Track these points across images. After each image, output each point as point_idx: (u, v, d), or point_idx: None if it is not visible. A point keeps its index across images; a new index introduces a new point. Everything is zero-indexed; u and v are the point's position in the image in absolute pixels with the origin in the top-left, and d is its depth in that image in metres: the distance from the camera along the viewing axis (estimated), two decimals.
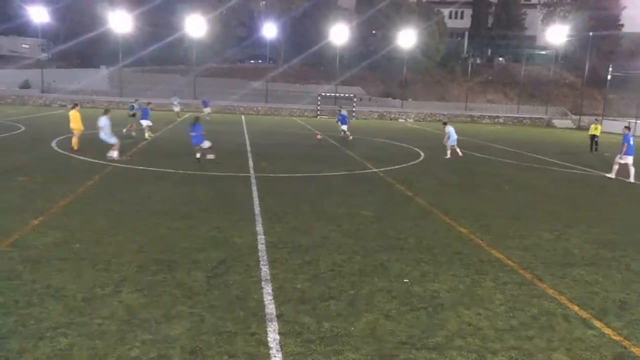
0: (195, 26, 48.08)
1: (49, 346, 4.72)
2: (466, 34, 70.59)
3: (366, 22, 57.70)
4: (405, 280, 6.82)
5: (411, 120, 50.21)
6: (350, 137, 25.31)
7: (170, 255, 7.30)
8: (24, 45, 54.64)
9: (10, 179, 11.93)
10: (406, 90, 55.92)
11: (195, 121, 15.93)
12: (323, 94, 49.35)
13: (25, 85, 47.51)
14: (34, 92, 46.09)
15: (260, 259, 7.34)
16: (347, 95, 50.26)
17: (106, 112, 16.39)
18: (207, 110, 33.62)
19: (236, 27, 60.62)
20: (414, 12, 58.05)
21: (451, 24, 68.35)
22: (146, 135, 21.74)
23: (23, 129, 23.37)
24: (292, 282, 6.56)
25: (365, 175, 15.42)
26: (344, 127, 25.40)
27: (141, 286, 6.17)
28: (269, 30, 52.66)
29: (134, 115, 22.69)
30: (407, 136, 30.54)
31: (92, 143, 17.74)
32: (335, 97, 49.58)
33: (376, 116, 50.69)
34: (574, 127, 51.11)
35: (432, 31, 58.44)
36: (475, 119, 52.53)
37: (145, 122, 22.05)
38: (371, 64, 56.16)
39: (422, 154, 21.28)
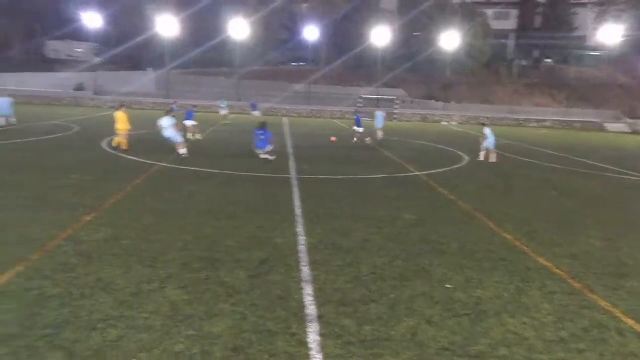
0: (239, 29, 48.98)
1: (100, 337, 4.91)
2: (512, 35, 68.76)
3: (409, 23, 57.18)
4: (447, 286, 6.70)
5: (454, 123, 49.35)
6: (368, 140, 24.33)
7: (214, 254, 7.46)
8: (78, 50, 57.19)
9: (65, 177, 12.49)
10: (449, 93, 55.03)
11: (263, 125, 16.71)
12: (364, 96, 49.22)
13: (79, 87, 49.67)
14: (87, 94, 48.15)
15: (301, 260, 7.39)
16: (388, 97, 49.93)
17: (168, 112, 17.26)
18: (257, 113, 34.10)
19: (278, 30, 61.35)
20: (458, 14, 57.07)
21: (496, 25, 66.70)
22: (190, 135, 22.31)
23: (77, 129, 24.42)
24: (333, 283, 6.57)
25: (406, 178, 15.26)
26: (359, 130, 24.24)
27: (185, 283, 6.33)
28: (311, 32, 53.03)
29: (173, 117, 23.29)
30: (450, 139, 30.03)
31: (140, 143, 18.34)
32: (377, 99, 49.36)
33: (418, 118, 50.13)
34: (629, 131, 48.89)
35: (476, 32, 57.28)
36: (521, 122, 51.09)
37: (189, 123, 22.65)
38: (413, 66, 55.58)
39: (465, 157, 20.88)
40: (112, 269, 6.65)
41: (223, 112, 32.05)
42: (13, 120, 22.74)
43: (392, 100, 49.27)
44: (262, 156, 16.31)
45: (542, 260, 7.94)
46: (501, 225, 9.99)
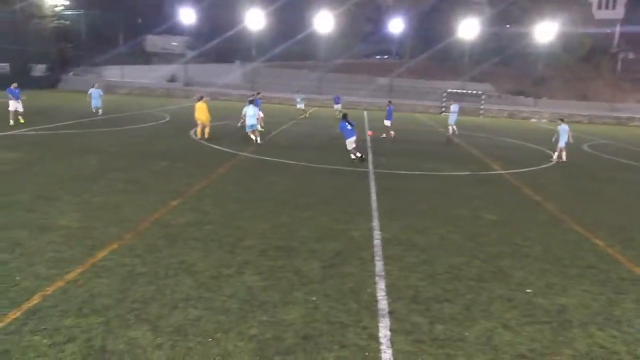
0: (324, 22, 49.38)
1: (181, 315, 5.22)
2: (617, 25, 63.26)
3: (499, 15, 54.53)
4: (528, 291, 6.37)
5: (544, 120, 46.50)
6: (392, 134, 23.17)
7: (290, 243, 7.63)
8: (173, 43, 60.60)
9: (155, 163, 13.35)
10: (541, 88, 51.88)
11: (345, 117, 15.87)
12: (449, 90, 47.77)
13: (172, 79, 52.71)
14: (178, 85, 50.98)
15: (375, 254, 7.36)
16: (474, 92, 48.07)
17: (251, 102, 17.95)
18: (338, 107, 34.20)
19: (363, 23, 61.06)
20: (553, 2, 53.44)
21: (600, 14, 61.72)
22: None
23: (168, 118, 25.96)
24: (406, 280, 6.49)
25: (490, 177, 14.65)
26: (387, 123, 23.36)
27: (262, 270, 6.55)
28: (396, 25, 52.24)
29: (303, 111, 23.78)
30: (539, 137, 28.34)
31: (225, 133, 19.13)
32: (462, 93, 47.70)
33: (505, 115, 47.81)
34: None
35: (575, 23, 53.36)
36: (623, 120, 47.04)
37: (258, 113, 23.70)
38: (503, 60, 52.99)
39: (555, 156, 19.61)
40: (194, 252, 7.03)
41: (299, 106, 32.22)
42: (100, 111, 24.47)
43: (478, 95, 47.39)
44: (352, 156, 15.27)
45: (638, 271, 7.30)
46: (592, 230, 9.30)
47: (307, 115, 30.80)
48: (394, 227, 8.81)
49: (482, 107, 46.72)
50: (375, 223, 8.97)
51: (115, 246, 7.04)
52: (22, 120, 19.46)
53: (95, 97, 23.59)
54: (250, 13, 49.23)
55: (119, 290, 5.70)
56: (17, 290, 5.53)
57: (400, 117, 38.69)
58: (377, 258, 7.22)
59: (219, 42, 51.98)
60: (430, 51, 53.53)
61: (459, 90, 48.13)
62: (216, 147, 16.77)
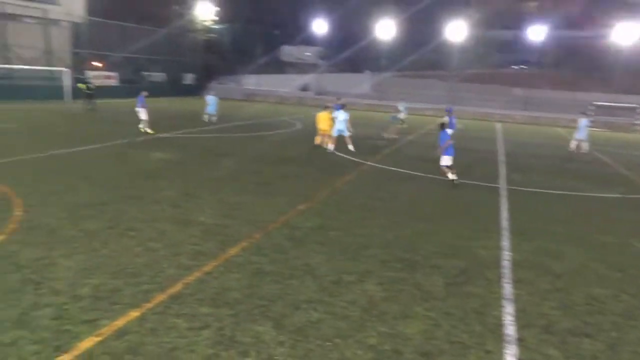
0: (456, 32, 47.97)
1: (303, 316, 5.40)
2: None
3: None
4: None
5: None
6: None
7: (412, 256, 7.50)
8: (306, 54, 63.34)
9: (286, 168, 14.02)
10: None
11: (443, 126, 13.66)
12: (596, 103, 43.33)
13: (304, 88, 55.06)
14: (310, 94, 53.07)
15: (502, 276, 6.92)
16: (628, 104, 43.02)
17: (343, 106, 18.06)
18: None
19: (500, 31, 58.09)
20: None
21: None
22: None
23: (299, 126, 27.14)
24: (538, 307, 6.00)
25: None
26: (401, 115, 23.40)
27: (383, 280, 6.51)
28: (537, 32, 48.86)
29: (401, 122, 23.65)
30: None
31: (355, 143, 19.40)
32: (612, 106, 42.94)
33: None
34: None
35: None
36: None
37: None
38: None
39: None
40: (318, 256, 7.23)
41: (400, 116, 30.89)
42: (214, 118, 25.30)
43: (632, 109, 42.34)
44: (450, 176, 12.99)
45: None
46: None
47: (405, 125, 29.58)
48: (526, 248, 8.21)
49: (637, 122, 41.66)
50: (505, 242, 8.44)
51: (245, 244, 7.52)
52: (145, 129, 19.43)
53: (211, 104, 24.64)
54: (381, 23, 49.61)
55: (247, 285, 6.07)
56: (164, 277, 6.17)
57: (539, 131, 36.04)
58: (505, 280, 6.78)
59: (349, 52, 53.23)
60: (575, 61, 49.11)
61: (608, 103, 43.44)
62: (343, 155, 17.12)
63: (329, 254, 7.34)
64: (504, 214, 10.43)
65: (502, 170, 16.08)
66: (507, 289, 6.50)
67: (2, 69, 32.28)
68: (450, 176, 12.97)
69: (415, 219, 9.58)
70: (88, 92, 28.87)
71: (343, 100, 24.59)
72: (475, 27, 50.66)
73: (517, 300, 6.16)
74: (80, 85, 30.69)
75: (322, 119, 18.65)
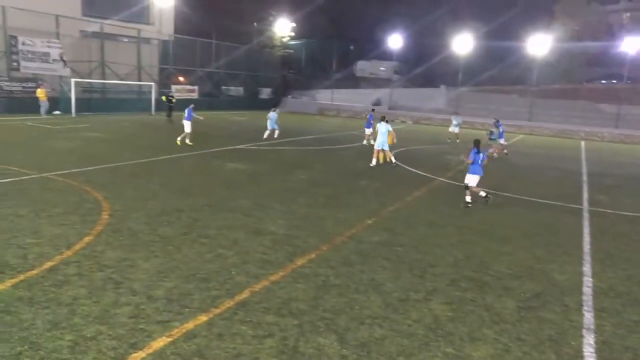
0: (538, 45, 45.95)
1: (367, 332, 5.35)
2: None
3: None
4: None
5: None
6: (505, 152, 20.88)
7: (483, 276, 7.22)
8: (381, 68, 63.38)
9: (355, 182, 14.04)
10: None
11: (477, 143, 11.81)
12: None
13: (377, 102, 54.96)
14: (383, 108, 52.91)
15: (583, 304, 6.47)
16: None
17: (383, 118, 17.65)
18: (456, 129, 31.38)
19: (587, 43, 54.96)
20: None
21: None
22: (364, 142, 23.82)
23: (364, 142, 27.06)
24: (624, 340, 5.54)
25: None
26: (502, 142, 22.60)
27: (451, 300, 6.31)
28: (631, 44, 45.67)
29: (494, 138, 22.94)
30: None
31: (423, 157, 19.14)
32: None
33: None
34: None
35: None
36: None
37: (368, 130, 23.95)
38: None
39: None
40: (384, 272, 7.15)
41: (452, 129, 29.47)
42: (276, 133, 25.45)
43: None
44: (467, 199, 11.84)
45: None
46: None
47: (458, 140, 28.17)
48: (611, 275, 7.62)
49: None
50: (587, 268, 7.89)
51: (313, 256, 7.59)
52: (182, 142, 19.35)
53: (272, 120, 25.12)
54: (459, 38, 48.62)
55: (313, 297, 6.11)
56: (232, 284, 6.37)
57: (630, 150, 33.56)
58: (585, 308, 6.33)
59: (425, 66, 52.62)
60: None
61: None
62: (413, 170, 16.87)
63: (395, 270, 7.23)
64: (586, 237, 9.77)
65: (586, 191, 15.09)
66: (588, 317, 6.06)
67: (98, 83, 35.16)
68: (468, 198, 11.84)
69: (487, 237, 9.22)
70: (169, 104, 30.71)
71: (374, 111, 24.64)
72: (560, 40, 48.29)
73: (599, 330, 5.73)
74: (163, 98, 32.78)
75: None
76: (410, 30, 54.17)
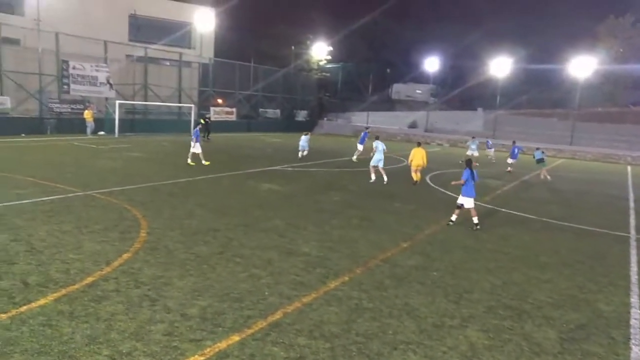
0: (580, 67, 44.90)
1: (400, 357, 5.23)
2: None
3: None
4: None
5: None
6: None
7: (521, 304, 6.97)
8: (417, 91, 63.32)
9: (390, 204, 13.92)
10: None
11: (469, 165, 11.74)
12: None
13: (413, 125, 54.74)
14: (419, 131, 52.58)
15: (631, 337, 6.15)
16: None
17: (377, 137, 18.94)
18: (491, 151, 30.84)
19: (633, 66, 53.31)
20: None
21: None
22: (354, 158, 24.52)
23: (405, 162, 26.88)
24: None
25: None
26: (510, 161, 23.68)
27: (487, 327, 6.12)
28: None
29: (541, 160, 22.60)
30: None
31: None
32: None
33: None
34: None
35: None
36: None
37: (360, 147, 24.88)
38: None
39: None
40: (418, 297, 7.00)
41: (469, 152, 28.77)
42: (305, 152, 25.73)
43: None
44: (454, 217, 11.74)
45: None
46: None
47: (477, 163, 27.57)
48: None
49: None
50: (635, 299, 7.52)
51: (346, 278, 7.52)
52: (194, 162, 19.41)
53: (303, 142, 25.45)
54: (497, 60, 48.08)
55: (345, 321, 6.04)
56: (265, 304, 6.37)
57: None
58: (633, 342, 6.01)
59: (461, 89, 52.22)
60: None
61: None
62: (449, 193, 16.60)
63: (430, 295, 7.08)
64: (634, 267, 9.33)
65: (633, 218, 14.46)
66: (636, 352, 5.75)
67: (141, 105, 36.45)
68: (454, 217, 11.68)
69: (526, 264, 8.93)
70: (206, 126, 31.35)
71: (369, 130, 24.84)
72: (604, 62, 47.07)
73: None
74: (201, 120, 33.61)
75: (415, 154, 18.55)
76: (447, 52, 54.09)
